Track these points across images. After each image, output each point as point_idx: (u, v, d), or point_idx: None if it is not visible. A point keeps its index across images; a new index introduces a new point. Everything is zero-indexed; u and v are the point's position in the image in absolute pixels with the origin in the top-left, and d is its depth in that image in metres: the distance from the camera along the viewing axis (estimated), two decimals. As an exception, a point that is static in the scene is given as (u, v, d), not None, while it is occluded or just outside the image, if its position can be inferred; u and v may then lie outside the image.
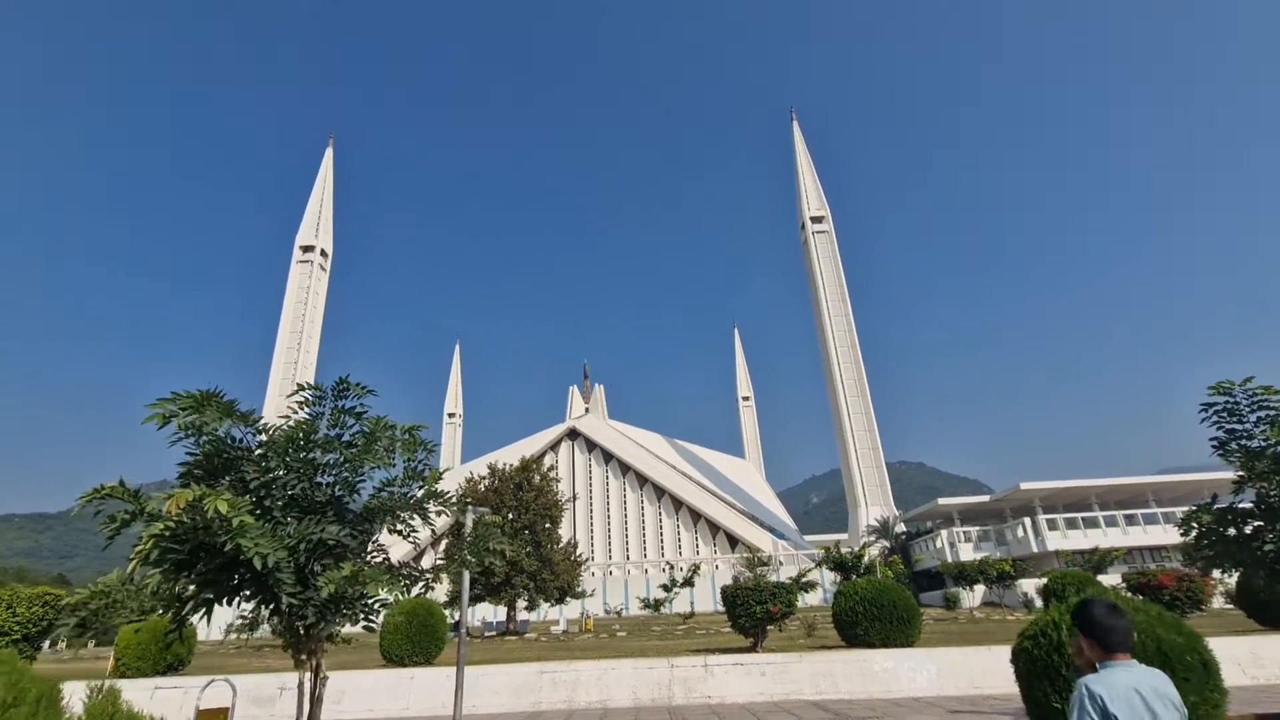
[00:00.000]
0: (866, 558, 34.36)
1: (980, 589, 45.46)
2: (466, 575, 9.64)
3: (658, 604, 48.00)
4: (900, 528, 66.94)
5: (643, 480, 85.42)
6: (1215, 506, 9.51)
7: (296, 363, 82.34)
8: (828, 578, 54.52)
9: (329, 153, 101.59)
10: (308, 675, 5.55)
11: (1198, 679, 6.69)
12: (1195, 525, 9.94)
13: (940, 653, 14.48)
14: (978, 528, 64.12)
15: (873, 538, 62.40)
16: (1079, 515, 59.01)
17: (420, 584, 6.64)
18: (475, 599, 34.52)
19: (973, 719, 10.73)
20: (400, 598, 7.22)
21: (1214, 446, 9.53)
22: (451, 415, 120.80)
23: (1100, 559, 38.44)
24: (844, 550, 37.36)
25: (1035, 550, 55.17)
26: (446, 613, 44.07)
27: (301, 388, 6.04)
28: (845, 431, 79.04)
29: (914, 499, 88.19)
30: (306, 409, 6.00)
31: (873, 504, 74.86)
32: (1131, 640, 2.60)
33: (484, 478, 37.80)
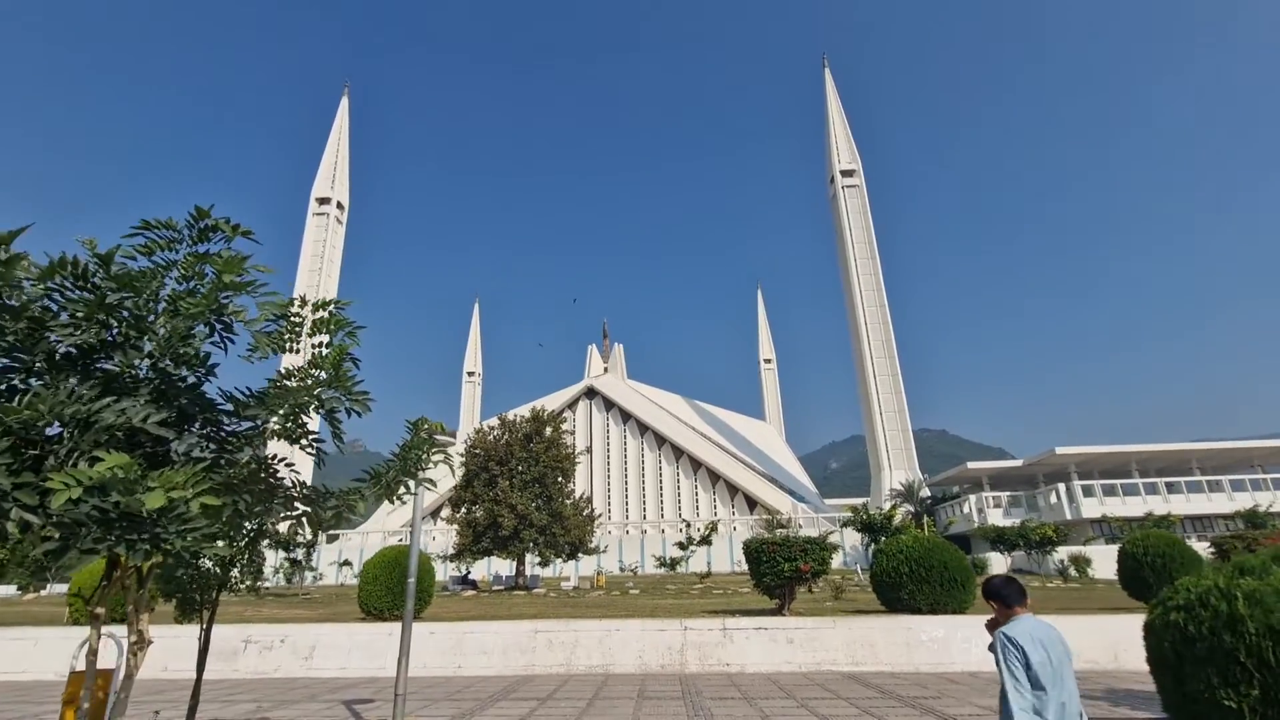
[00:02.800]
0: (897, 518, 32.34)
1: (1008, 557, 43.39)
2: (418, 506, 7.71)
3: (674, 563, 46.70)
4: (925, 492, 64.75)
5: (661, 440, 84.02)
6: None
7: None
8: (848, 541, 52.86)
9: (344, 103, 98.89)
10: (123, 639, 3.76)
11: None
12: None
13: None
14: (1008, 493, 61.84)
15: (896, 501, 60.34)
16: (1117, 482, 56.35)
17: (330, 513, 4.68)
18: (484, 552, 33.31)
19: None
20: (296, 537, 5.30)
21: None
22: (471, 374, 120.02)
23: (1155, 525, 35.98)
24: (872, 511, 35.36)
25: (1069, 517, 52.76)
26: (452, 565, 43.20)
27: (147, 225, 3.95)
28: (871, 392, 76.41)
29: (936, 466, 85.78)
30: (157, 255, 3.96)
31: (897, 468, 72.63)
32: (1025, 597, 3.55)
33: (493, 428, 36.25)
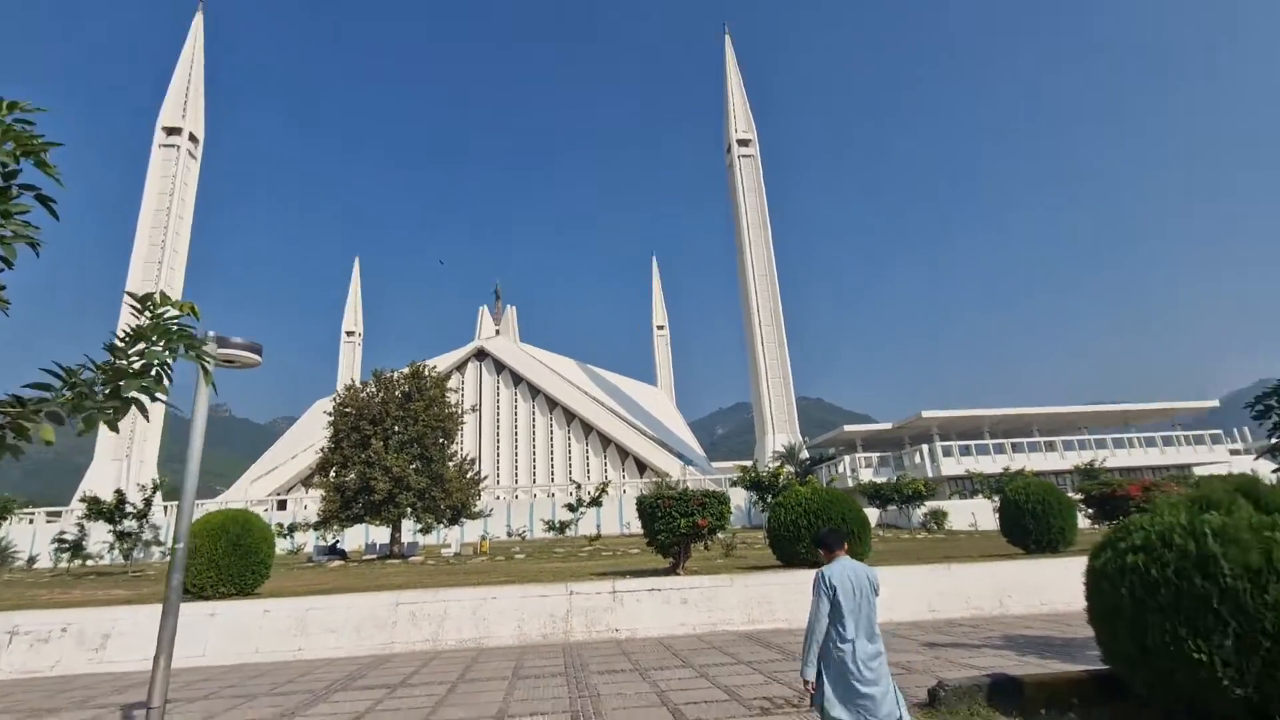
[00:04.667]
0: (783, 477, 32.93)
1: (882, 511, 46.05)
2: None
3: (563, 526, 45.59)
4: (805, 454, 67.63)
5: (552, 404, 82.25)
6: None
7: (161, 264, 70.98)
8: (733, 501, 54.12)
9: (198, 20, 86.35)
10: None
11: None
12: (1275, 405, 7.67)
13: (896, 573, 12.18)
14: (878, 454, 65.95)
15: (780, 462, 62.61)
16: (972, 443, 61.53)
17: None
18: (354, 518, 30.47)
19: (958, 652, 8.28)
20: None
21: None
22: (350, 333, 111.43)
23: (1006, 482, 39.08)
24: (760, 472, 35.87)
25: (930, 475, 56.92)
26: (313, 535, 39.65)
27: None
28: (759, 359, 78.38)
29: (812, 431, 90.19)
30: None
31: (780, 431, 75.29)
32: (844, 542, 4.21)
33: (366, 385, 33.05)
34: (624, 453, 78.57)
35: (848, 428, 75.57)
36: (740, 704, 6.18)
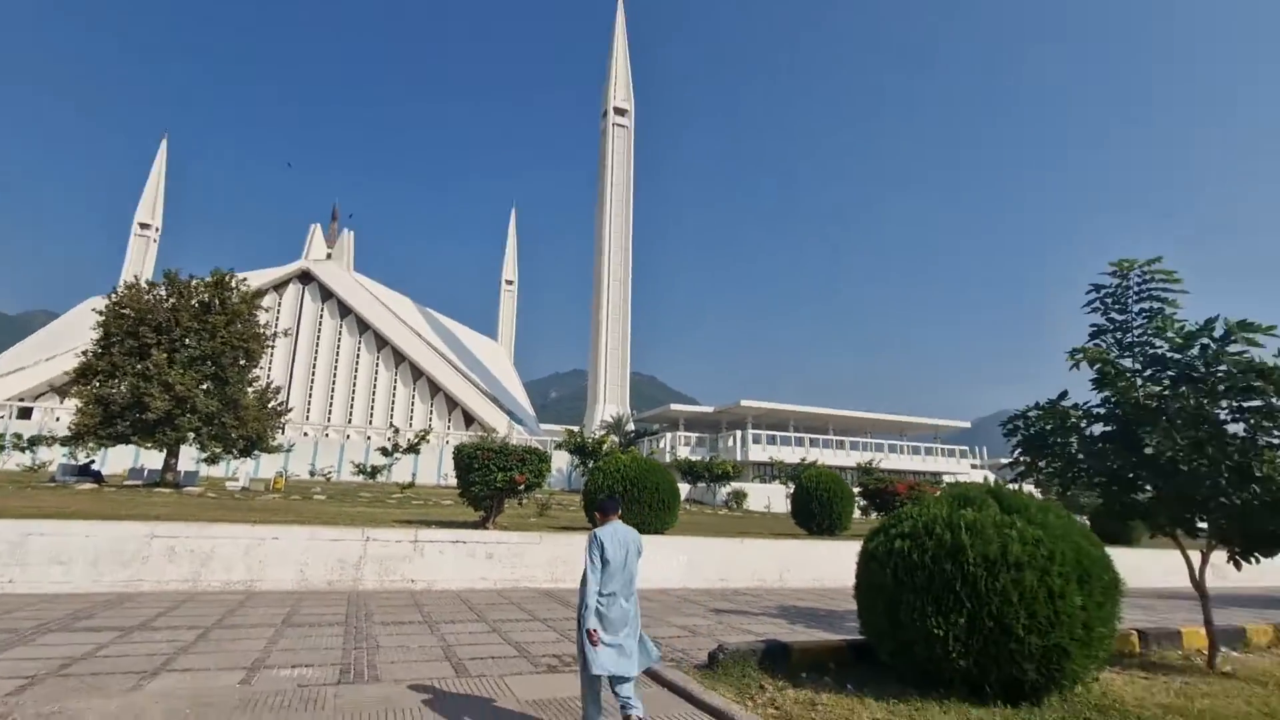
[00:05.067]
0: (608, 445, 33.65)
1: (692, 487, 49.05)
2: None
3: (374, 471, 43.04)
4: (631, 426, 69.92)
5: (381, 341, 76.93)
6: (1057, 405, 8.39)
7: None
8: (556, 464, 54.58)
9: None
10: None
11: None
12: (1020, 427, 9.01)
13: (694, 543, 12.88)
14: (697, 434, 70.05)
15: (607, 430, 64.19)
16: (778, 433, 67.59)
17: None
18: (118, 437, 26.22)
19: (740, 619, 8.91)
20: None
21: (1091, 334, 8.25)
22: (145, 226, 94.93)
23: (801, 471, 43.28)
24: (586, 436, 36.33)
25: (739, 458, 61.67)
26: (62, 452, 33.88)
27: None
28: (602, 329, 79.28)
29: (642, 406, 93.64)
30: None
31: (611, 401, 77.12)
32: (617, 509, 4.55)
33: (156, 285, 28.39)
34: (452, 403, 75.85)
35: (674, 406, 79.16)
36: (528, 660, 6.09)
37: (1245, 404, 7.32)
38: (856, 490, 20.37)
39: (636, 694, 4.16)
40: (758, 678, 5.43)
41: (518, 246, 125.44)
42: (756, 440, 65.02)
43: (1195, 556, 7.87)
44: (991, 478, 47.25)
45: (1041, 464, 8.71)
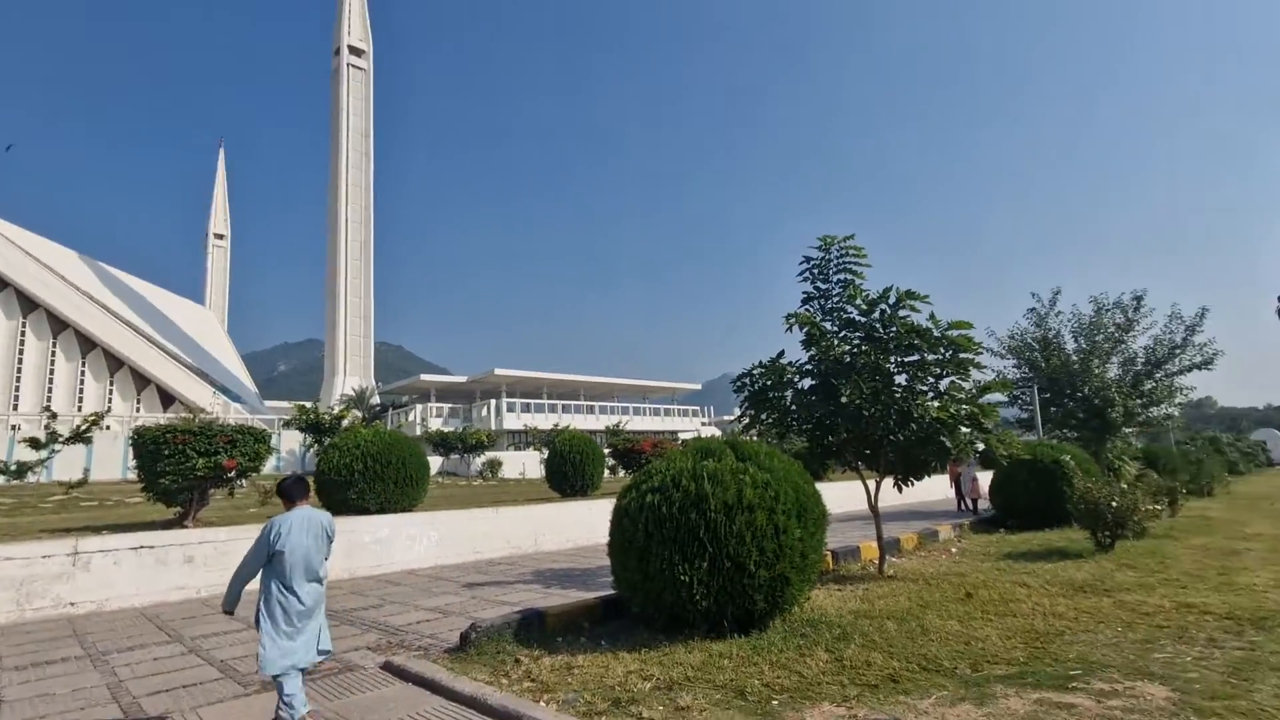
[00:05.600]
0: (348, 420, 30.45)
1: (444, 459, 47.27)
2: None
3: (21, 469, 33.33)
4: (376, 400, 64.79)
5: (30, 304, 59.62)
6: (776, 363, 9.46)
7: None
8: (285, 445, 48.25)
9: None
10: None
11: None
12: (747, 384, 10.00)
13: (446, 517, 12.21)
14: (449, 405, 67.61)
15: (347, 404, 58.49)
16: (532, 401, 68.39)
17: None
18: None
19: (496, 591, 8.64)
20: None
21: (803, 300, 9.37)
22: None
23: (554, 436, 44.19)
24: (321, 412, 32.47)
25: (494, 428, 61.08)
26: None
27: None
28: (340, 292, 71.67)
29: (389, 378, 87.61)
30: None
31: (352, 374, 70.52)
32: (305, 493, 4.32)
33: None
34: (143, 380, 62.20)
35: (425, 377, 75.19)
36: (235, 681, 5.09)
37: (906, 359, 9.02)
38: (606, 451, 21.34)
39: (302, 690, 3.92)
40: (513, 651, 5.22)
41: (229, 197, 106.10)
42: (511, 409, 64.85)
43: (871, 485, 9.58)
44: (718, 433, 53.51)
45: (763, 416, 9.84)
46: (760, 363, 9.69)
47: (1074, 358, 22.56)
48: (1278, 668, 4.49)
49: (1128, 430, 23.16)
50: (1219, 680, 4.27)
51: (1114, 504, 10.05)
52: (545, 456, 20.77)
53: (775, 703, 4.11)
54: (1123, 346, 22.65)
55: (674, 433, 69.75)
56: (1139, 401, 22.13)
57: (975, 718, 3.82)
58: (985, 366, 9.59)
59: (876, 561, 9.39)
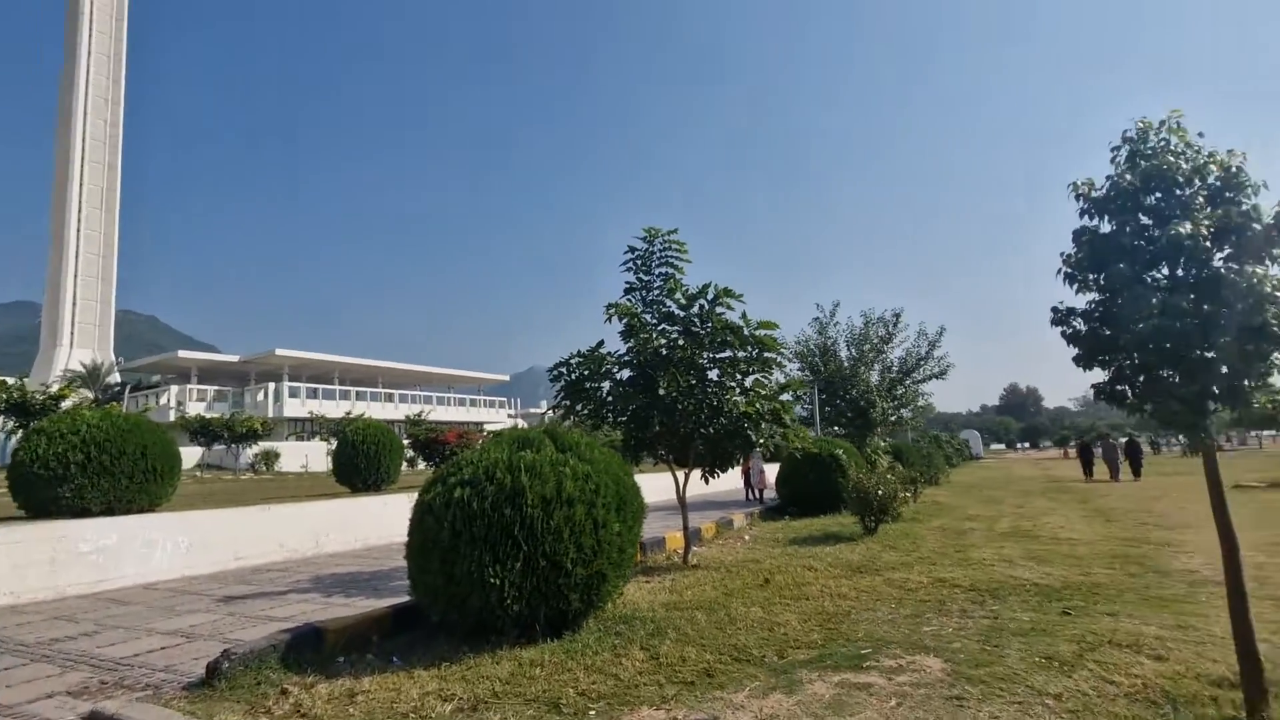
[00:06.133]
0: (70, 401, 24.57)
1: (208, 450, 40.81)
2: None
3: None
4: (116, 377, 54.06)
5: None
6: (595, 353, 9.23)
7: None
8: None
9: None
10: None
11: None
12: (564, 373, 9.63)
13: (199, 519, 10.23)
14: (215, 387, 58.82)
15: (73, 382, 47.91)
16: (320, 386, 61.92)
17: None
18: None
19: (261, 604, 7.31)
20: None
21: (625, 290, 9.22)
22: None
23: (346, 425, 40.31)
24: (32, 391, 25.93)
25: (272, 415, 54.35)
26: None
27: None
28: (68, 245, 58.75)
29: (136, 353, 74.22)
30: None
31: (82, 346, 58.22)
32: None
33: None
34: None
35: (183, 354, 64.55)
36: None
37: (718, 355, 9.33)
38: (406, 442, 19.78)
39: None
40: (279, 680, 4.32)
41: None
42: (294, 394, 58.06)
43: (680, 476, 9.79)
44: (525, 426, 52.76)
45: (579, 407, 9.60)
46: (579, 352, 9.43)
47: (846, 364, 25.63)
48: (1017, 633, 5.20)
49: (882, 429, 26.85)
50: (977, 649, 4.81)
51: (880, 492, 11.37)
52: (333, 447, 18.63)
53: (593, 713, 3.82)
54: (883, 356, 26.24)
55: (479, 424, 67.48)
56: (892, 404, 25.80)
57: (786, 707, 3.85)
58: (786, 365, 10.35)
59: (681, 551, 9.61)
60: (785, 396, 9.71)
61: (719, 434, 8.92)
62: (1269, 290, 3.02)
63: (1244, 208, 3.30)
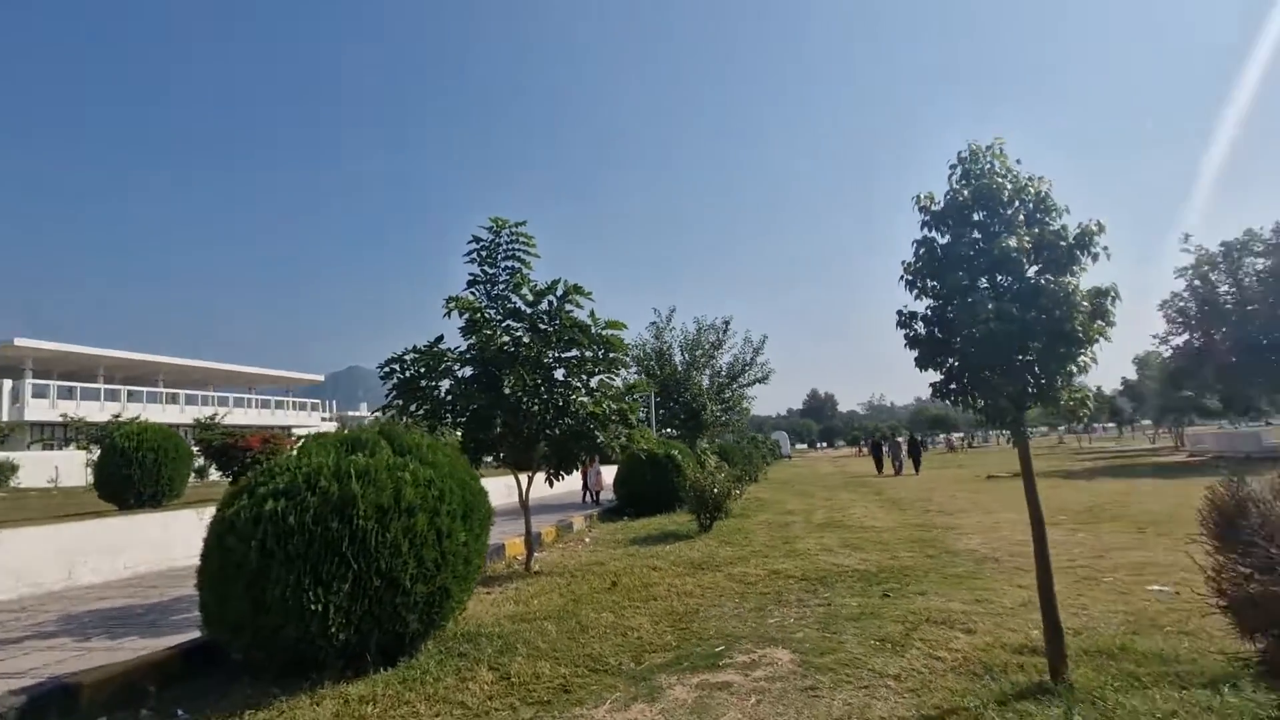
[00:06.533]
0: None
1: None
2: None
3: None
4: None
5: None
6: (434, 348, 8.50)
7: None
8: None
9: None
10: None
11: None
12: (397, 370, 8.73)
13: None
14: (-79, 385, 46.95)
15: None
16: (78, 385, 51.96)
17: None
18: None
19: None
20: None
21: (468, 283, 8.59)
22: None
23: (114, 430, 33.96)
24: None
25: (8, 418, 44.62)
26: None
27: None
28: None
29: None
30: None
31: None
32: None
33: None
34: None
35: None
36: None
37: (564, 354, 9.08)
38: (195, 449, 16.98)
39: None
40: (6, 758, 3.30)
41: None
42: (41, 393, 48.07)
43: (523, 479, 9.36)
44: (337, 428, 48.37)
45: (413, 407, 8.81)
46: (415, 348, 8.67)
47: (680, 368, 26.63)
48: (850, 618, 5.54)
49: (712, 430, 28.28)
50: (819, 637, 5.03)
51: (715, 490, 11.82)
52: (95, 457, 15.49)
53: (439, 749, 3.37)
54: (713, 361, 27.66)
55: (287, 428, 60.73)
56: (721, 407, 27.28)
57: (650, 717, 3.69)
58: (631, 366, 10.36)
59: (523, 558, 9.19)
60: (632, 397, 9.70)
61: (565, 435, 8.66)
62: (1078, 300, 3.43)
63: (1054, 227, 3.73)
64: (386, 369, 8.71)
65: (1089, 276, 3.72)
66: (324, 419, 73.44)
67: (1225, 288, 29.45)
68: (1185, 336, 31.49)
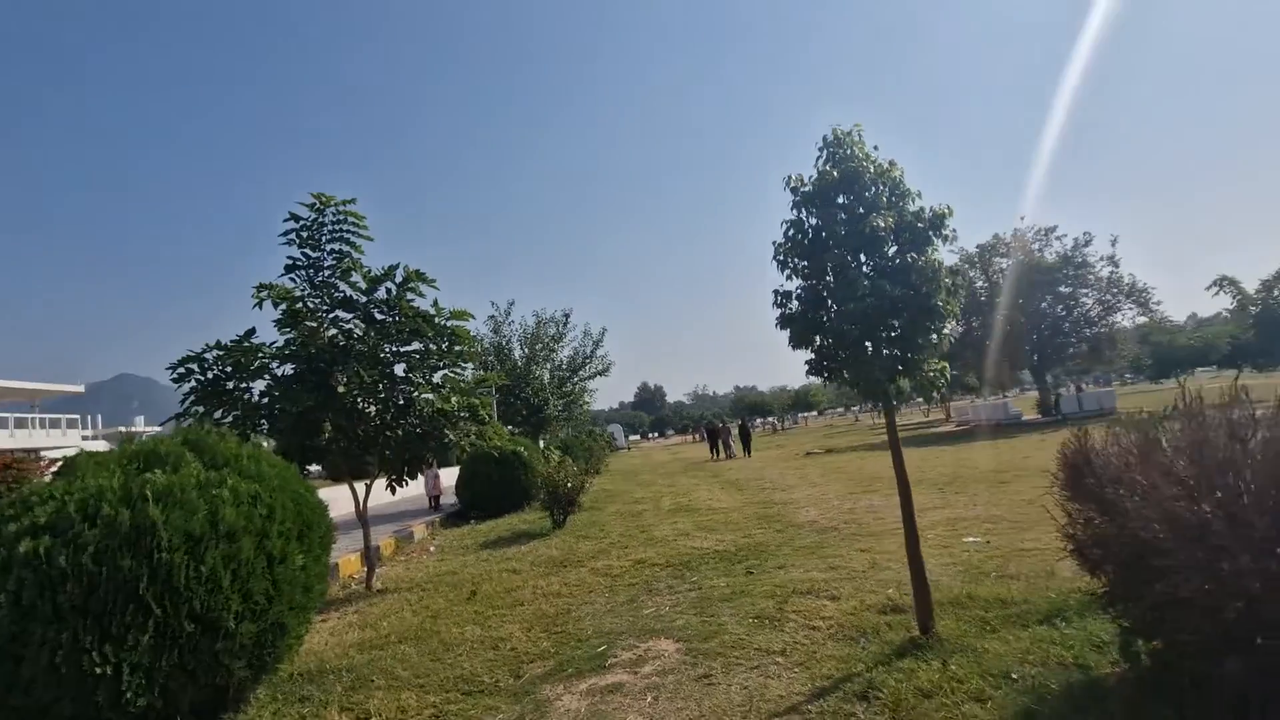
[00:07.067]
0: None
1: None
2: None
3: None
4: None
5: None
6: (243, 344, 7.23)
7: None
8: None
9: None
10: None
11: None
12: (195, 371, 7.25)
13: None
14: None
15: None
16: None
17: None
18: None
19: None
20: None
21: (286, 268, 7.42)
22: None
23: None
24: None
25: None
26: None
27: None
28: None
29: None
30: None
31: None
32: None
33: None
34: None
35: None
36: None
37: (404, 348, 8.25)
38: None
39: None
40: None
41: None
42: None
43: (360, 488, 8.39)
44: (109, 447, 40.92)
45: (219, 414, 7.48)
46: (219, 343, 7.34)
47: (520, 363, 25.92)
48: (722, 599, 5.58)
49: (554, 425, 27.93)
50: (698, 622, 4.98)
51: (569, 485, 11.54)
52: None
53: (290, 823, 2.75)
54: (553, 355, 27.28)
55: (34, 451, 50.00)
56: (562, 401, 27.01)
57: (543, 735, 3.35)
58: (480, 359, 9.71)
59: (362, 576, 8.24)
60: (483, 391, 9.08)
61: (409, 436, 7.88)
62: (943, 276, 3.64)
63: (912, 209, 3.95)
64: (181, 370, 7.29)
65: (939, 256, 4.00)
66: (87, 437, 61.57)
67: (980, 284, 34.95)
68: (951, 324, 37.03)
